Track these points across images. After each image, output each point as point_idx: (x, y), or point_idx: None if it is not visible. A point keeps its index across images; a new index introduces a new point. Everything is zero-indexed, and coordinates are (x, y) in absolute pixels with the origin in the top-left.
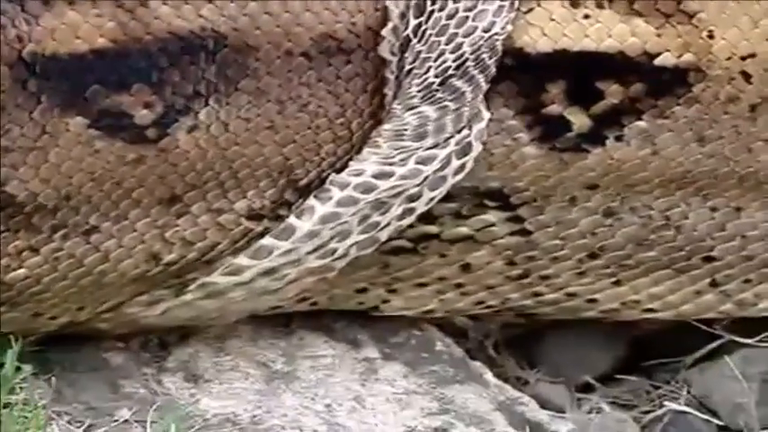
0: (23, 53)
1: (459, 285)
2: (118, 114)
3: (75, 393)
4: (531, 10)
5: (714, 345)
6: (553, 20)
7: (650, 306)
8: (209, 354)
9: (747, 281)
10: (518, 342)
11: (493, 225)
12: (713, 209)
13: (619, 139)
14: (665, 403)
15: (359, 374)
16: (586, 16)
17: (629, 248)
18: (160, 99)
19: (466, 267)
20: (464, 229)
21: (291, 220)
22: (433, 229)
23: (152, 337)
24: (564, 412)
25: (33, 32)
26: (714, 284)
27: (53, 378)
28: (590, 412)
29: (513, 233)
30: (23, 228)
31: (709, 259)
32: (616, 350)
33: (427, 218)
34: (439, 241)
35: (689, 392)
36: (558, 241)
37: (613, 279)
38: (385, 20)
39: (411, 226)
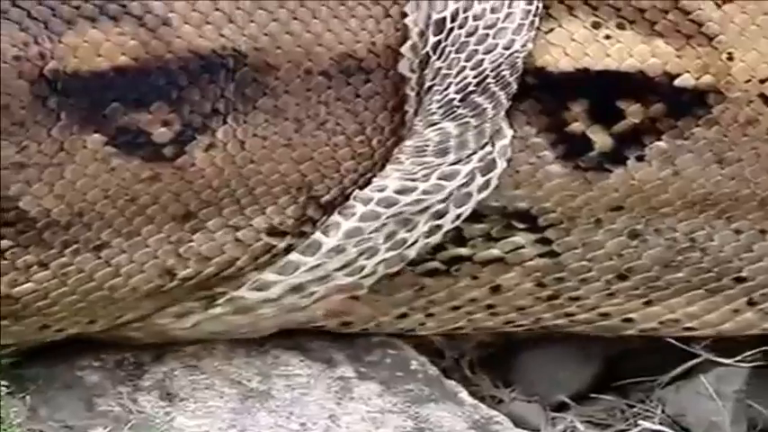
0: (45, 70)
1: (489, 306)
2: (136, 132)
3: (50, 412)
4: (551, 30)
5: (690, 364)
6: (574, 40)
7: (689, 325)
8: (184, 372)
9: None
10: (493, 361)
11: (522, 247)
12: (737, 231)
13: (640, 159)
14: (640, 422)
15: (334, 393)
16: (607, 37)
17: (656, 270)
18: (178, 117)
19: (496, 289)
20: (495, 251)
21: (317, 235)
22: (464, 251)
23: (127, 355)
24: (538, 431)
25: (56, 50)
26: (752, 303)
27: (28, 396)
28: (564, 431)
29: (541, 255)
30: (34, 243)
31: (740, 280)
32: (591, 369)
33: (459, 240)
34: (471, 263)
35: (663, 411)
36: (585, 263)
37: (644, 299)
38: (405, 38)
39: (444, 248)
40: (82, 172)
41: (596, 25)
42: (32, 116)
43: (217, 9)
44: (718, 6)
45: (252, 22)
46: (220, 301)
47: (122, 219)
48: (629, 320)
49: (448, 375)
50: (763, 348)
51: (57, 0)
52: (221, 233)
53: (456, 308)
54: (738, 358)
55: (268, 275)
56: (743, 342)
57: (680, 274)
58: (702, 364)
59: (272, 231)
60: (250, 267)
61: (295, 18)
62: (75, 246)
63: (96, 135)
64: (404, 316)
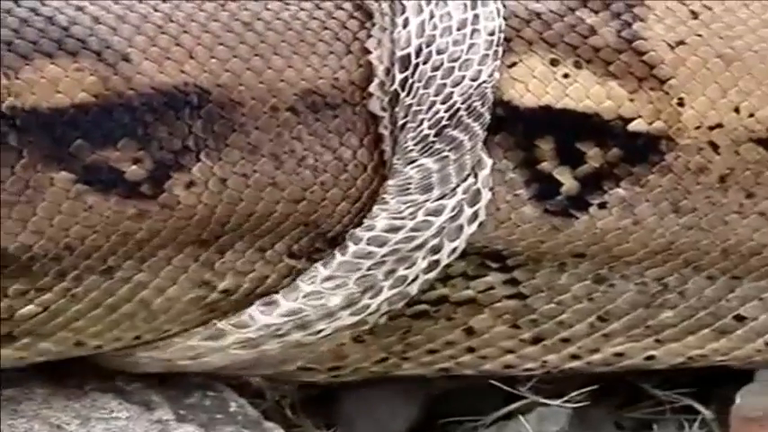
0: (3, 107)
1: (470, 349)
2: (106, 170)
3: None
4: (513, 65)
5: (516, 405)
6: (535, 77)
7: (719, 359)
8: (4, 416)
9: None
10: (315, 402)
11: (492, 287)
12: (710, 278)
13: (602, 206)
14: None
15: None
16: (566, 75)
17: (640, 311)
18: (148, 154)
19: (470, 331)
20: (469, 292)
21: (317, 264)
22: (445, 290)
23: None
24: None
25: (13, 86)
26: None
27: None
28: None
29: (509, 296)
30: (21, 275)
31: (741, 319)
32: (413, 409)
33: (443, 279)
34: (449, 304)
35: None
36: (554, 305)
37: (653, 338)
38: (369, 74)
39: (433, 288)
40: (56, 209)
41: (554, 62)
42: None
43: (177, 44)
44: (671, 48)
45: (213, 57)
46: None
47: (126, 248)
48: (651, 358)
49: (269, 417)
50: (588, 389)
51: (13, 34)
52: (250, 252)
53: (433, 351)
54: (564, 399)
55: (277, 296)
56: (568, 382)
57: (670, 314)
58: (530, 405)
59: (291, 255)
60: (278, 287)
61: (256, 54)
62: (74, 272)
63: (64, 173)
64: (384, 360)
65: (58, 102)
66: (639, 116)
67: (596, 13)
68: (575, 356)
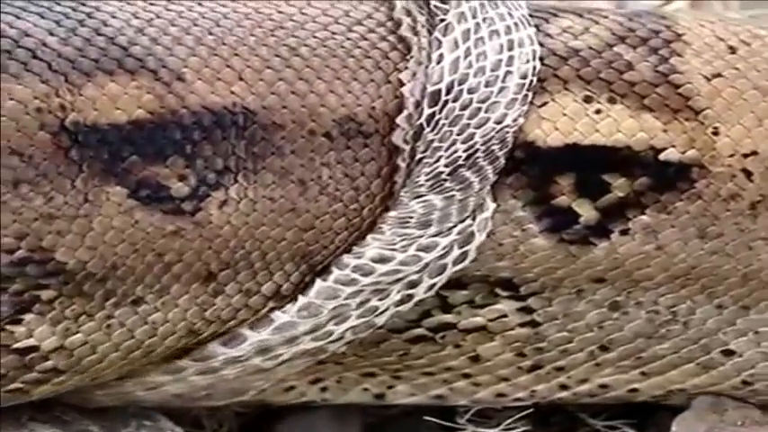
0: (66, 122)
1: (466, 375)
2: (155, 186)
3: None
4: (544, 104)
5: None
6: (565, 114)
7: (694, 392)
8: None
9: None
10: (252, 429)
11: (505, 315)
12: (719, 306)
13: (624, 233)
14: None
15: None
16: (598, 111)
17: (639, 342)
18: (193, 172)
19: (476, 359)
20: (479, 319)
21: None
22: (450, 318)
23: None
24: None
25: (76, 102)
26: (745, 383)
27: None
28: None
29: (523, 324)
30: (77, 294)
31: (728, 353)
32: None
33: (444, 307)
34: (456, 331)
35: None
36: (566, 333)
37: (639, 371)
38: (401, 106)
39: (431, 314)
40: (109, 224)
41: (588, 99)
42: (56, 167)
43: (228, 66)
44: (708, 80)
45: (261, 80)
46: (192, 353)
47: (152, 275)
48: (634, 390)
49: None
50: (524, 412)
51: (77, 52)
52: (237, 298)
53: (430, 373)
54: (501, 427)
55: (242, 329)
56: (506, 413)
57: (664, 345)
58: None
59: (276, 296)
60: (248, 322)
61: (300, 78)
62: (114, 299)
63: (118, 187)
64: (372, 375)
65: (117, 118)
66: (672, 146)
67: (634, 48)
68: (564, 386)
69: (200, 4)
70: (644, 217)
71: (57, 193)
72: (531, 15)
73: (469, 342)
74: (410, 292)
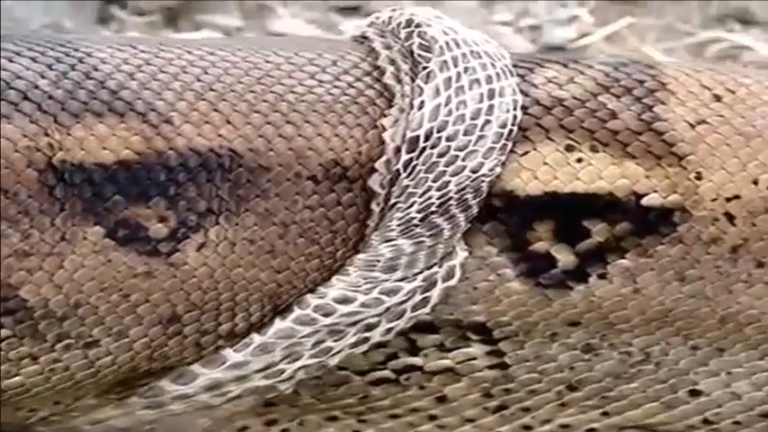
0: (53, 160)
1: (432, 417)
2: (134, 226)
3: None
4: (526, 153)
5: None
6: (546, 163)
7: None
8: None
9: (737, 423)
10: None
11: (474, 358)
12: (694, 348)
13: (602, 276)
14: None
15: None
16: (579, 160)
17: (608, 381)
18: (175, 214)
19: (442, 399)
20: (446, 362)
21: (253, 333)
22: (417, 360)
23: None
24: None
25: (64, 141)
26: (707, 422)
27: None
28: None
29: (491, 366)
30: (29, 335)
31: (695, 393)
32: None
33: (412, 350)
34: (421, 373)
35: None
36: (535, 375)
37: (601, 411)
38: (382, 152)
39: (397, 357)
40: (81, 263)
41: (570, 148)
42: (39, 204)
43: (215, 110)
44: (692, 127)
45: (248, 123)
46: (140, 391)
47: (114, 315)
48: (593, 430)
49: None
50: None
51: (67, 94)
52: (191, 338)
53: (396, 416)
54: None
55: (194, 367)
56: None
57: (633, 385)
58: None
59: (230, 335)
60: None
61: (288, 122)
62: (67, 341)
63: (96, 227)
64: (334, 419)
65: (104, 158)
66: (655, 191)
67: (618, 98)
68: (526, 427)
69: (189, 53)
70: (623, 261)
71: (35, 230)
72: (515, 65)
73: (435, 383)
74: (367, 334)
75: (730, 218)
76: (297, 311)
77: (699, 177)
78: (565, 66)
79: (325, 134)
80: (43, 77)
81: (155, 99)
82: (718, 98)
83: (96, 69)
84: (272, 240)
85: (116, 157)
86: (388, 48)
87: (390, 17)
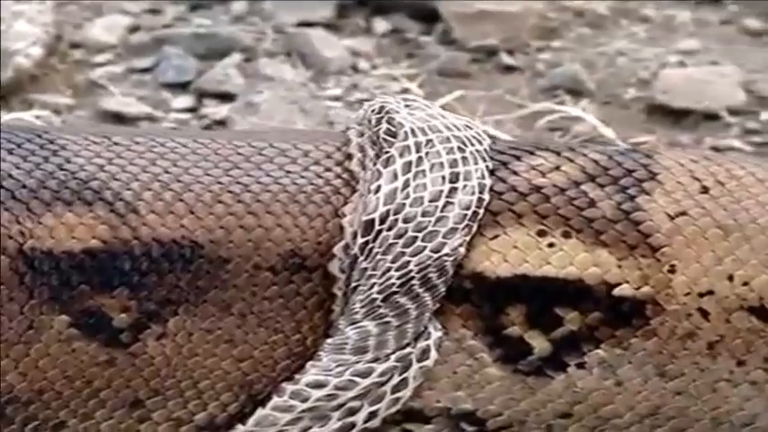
0: (24, 247)
1: None
2: (98, 315)
3: None
4: (495, 237)
5: None
6: (516, 247)
7: None
8: None
9: None
10: None
11: None
12: None
13: (580, 366)
14: None
15: None
16: (551, 245)
17: None
18: (137, 304)
19: None
20: None
21: (237, 424)
22: None
23: None
24: None
25: (35, 229)
26: None
27: None
28: None
29: None
30: None
31: None
32: None
33: None
34: None
35: None
36: None
37: None
38: (342, 239)
39: None
40: (45, 351)
41: (542, 233)
42: (8, 292)
43: (180, 200)
44: (671, 219)
45: (211, 214)
46: None
47: (78, 400)
48: None
49: None
50: None
51: (39, 183)
52: (165, 426)
53: None
54: None
55: None
56: None
57: None
58: None
59: (210, 427)
60: None
61: (249, 212)
62: (34, 423)
63: (63, 316)
64: None
65: (72, 246)
66: (626, 281)
67: (602, 187)
68: None
69: (162, 146)
70: (599, 351)
71: (5, 318)
72: (502, 152)
73: None
74: (351, 419)
75: (704, 313)
76: (275, 399)
77: (672, 270)
78: (557, 154)
79: (285, 224)
80: (18, 168)
81: (123, 189)
82: (705, 190)
83: (69, 162)
84: (230, 330)
85: (83, 245)
86: (361, 135)
87: (371, 105)
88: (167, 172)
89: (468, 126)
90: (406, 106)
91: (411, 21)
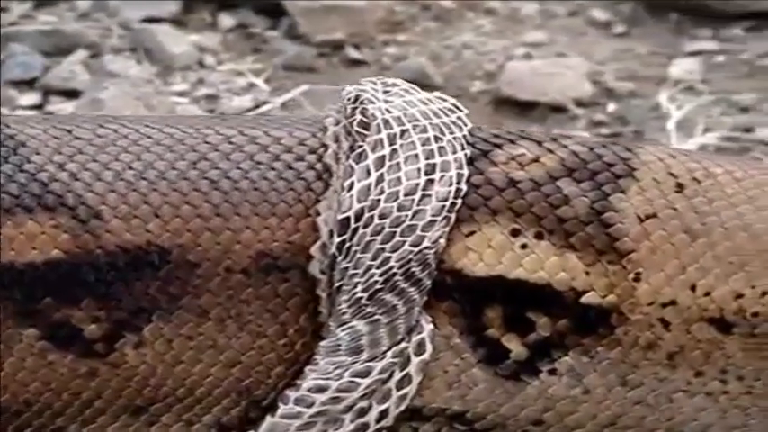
0: None
1: None
2: (69, 328)
3: None
4: (471, 233)
5: None
6: (491, 246)
7: None
8: None
9: None
10: None
11: None
12: None
13: (552, 373)
14: None
15: None
16: (524, 246)
17: None
18: (107, 314)
19: None
20: None
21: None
22: None
23: None
24: None
25: None
26: None
27: None
28: None
29: None
30: None
31: None
32: None
33: None
34: None
35: None
36: None
37: None
38: (318, 238)
39: None
40: (20, 365)
41: (515, 233)
42: None
43: (145, 202)
44: (640, 221)
45: (177, 216)
46: None
47: (73, 409)
48: None
49: None
50: None
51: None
52: (176, 427)
53: None
54: None
55: None
56: None
57: None
58: None
59: (222, 428)
60: None
61: (217, 214)
62: (29, 429)
63: (32, 329)
64: None
65: (34, 257)
66: (593, 289)
67: (578, 183)
68: None
69: (125, 138)
70: (568, 358)
71: None
72: (484, 140)
73: None
74: (363, 420)
75: (666, 324)
76: (281, 407)
77: (637, 279)
78: (539, 144)
79: (254, 226)
80: None
81: (85, 191)
82: (680, 188)
83: (29, 161)
84: (211, 336)
85: (45, 256)
86: (337, 123)
87: (347, 93)
88: (131, 168)
89: (451, 110)
90: (385, 92)
91: (257, 16)
